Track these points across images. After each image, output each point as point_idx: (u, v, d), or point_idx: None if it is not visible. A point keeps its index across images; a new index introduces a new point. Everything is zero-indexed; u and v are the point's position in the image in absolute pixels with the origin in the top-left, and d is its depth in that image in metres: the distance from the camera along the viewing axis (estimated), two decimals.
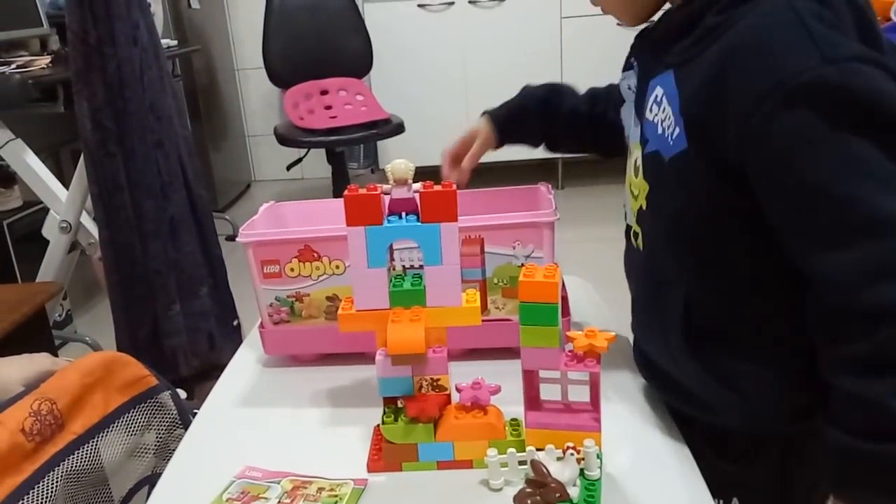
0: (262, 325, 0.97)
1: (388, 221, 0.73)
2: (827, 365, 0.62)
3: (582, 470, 0.66)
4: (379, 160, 3.86)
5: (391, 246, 0.75)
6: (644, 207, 0.77)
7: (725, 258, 0.71)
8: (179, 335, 1.68)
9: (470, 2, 3.55)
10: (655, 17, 0.80)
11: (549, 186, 0.97)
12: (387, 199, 0.73)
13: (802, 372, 0.68)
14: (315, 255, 0.91)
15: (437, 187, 0.71)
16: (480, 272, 0.88)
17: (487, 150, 1.00)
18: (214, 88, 3.75)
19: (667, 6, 0.77)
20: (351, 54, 3.35)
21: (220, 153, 3.66)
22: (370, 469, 0.75)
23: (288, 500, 0.71)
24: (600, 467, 0.67)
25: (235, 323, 1.87)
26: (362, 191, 0.72)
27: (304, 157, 3.33)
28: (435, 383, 0.74)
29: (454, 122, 3.62)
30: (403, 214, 0.74)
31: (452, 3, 3.58)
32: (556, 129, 0.99)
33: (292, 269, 0.92)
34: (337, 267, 0.91)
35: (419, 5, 3.58)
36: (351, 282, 0.75)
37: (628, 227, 0.83)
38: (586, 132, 0.98)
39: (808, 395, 0.69)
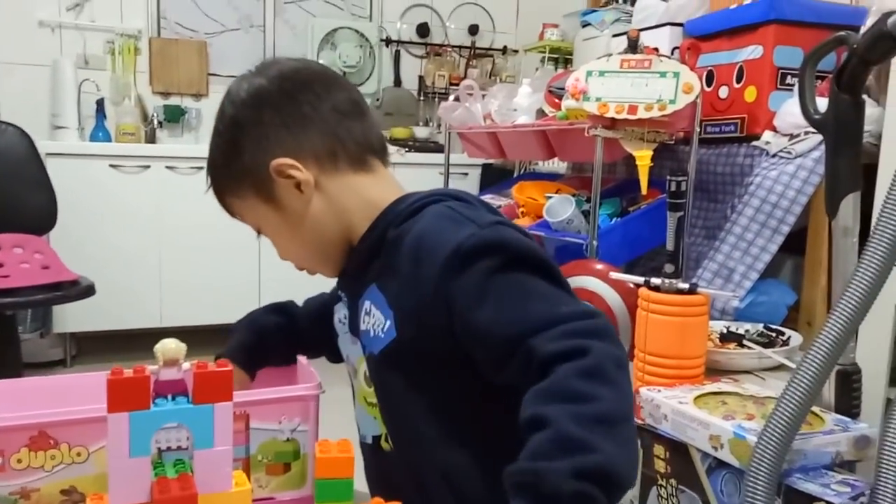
0: None
1: (156, 404, 0.70)
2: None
3: None
4: (53, 324, 3.46)
5: None
6: (382, 406, 0.86)
7: (467, 413, 0.81)
8: None
9: (167, 167, 3.50)
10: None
11: (306, 360, 1.00)
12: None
13: None
14: (52, 441, 0.81)
15: (212, 366, 0.71)
16: (244, 449, 0.86)
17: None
18: None
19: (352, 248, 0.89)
20: (30, 210, 3.04)
21: None
22: None
23: None
24: None
25: None
26: (128, 373, 0.68)
27: None
28: None
29: (147, 290, 3.42)
30: (170, 395, 0.71)
31: (148, 166, 3.49)
32: (300, 346, 1.04)
33: (20, 461, 0.80)
34: (78, 454, 0.82)
35: (111, 165, 3.43)
36: (109, 473, 0.68)
37: (373, 438, 0.90)
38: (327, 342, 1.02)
39: None
